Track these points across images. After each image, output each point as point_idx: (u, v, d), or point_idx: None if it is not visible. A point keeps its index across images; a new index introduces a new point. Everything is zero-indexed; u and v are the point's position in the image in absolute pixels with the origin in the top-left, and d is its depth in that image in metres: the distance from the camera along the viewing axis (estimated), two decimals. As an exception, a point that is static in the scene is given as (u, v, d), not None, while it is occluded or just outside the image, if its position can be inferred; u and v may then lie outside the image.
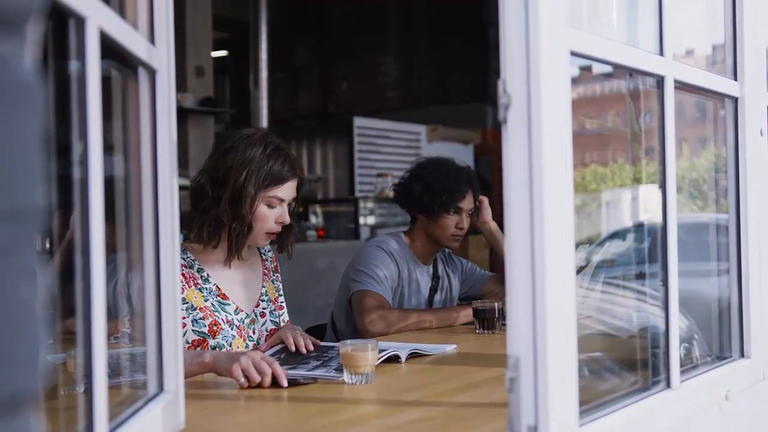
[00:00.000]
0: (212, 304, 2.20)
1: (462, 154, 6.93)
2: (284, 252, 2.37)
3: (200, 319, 2.16)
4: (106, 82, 1.07)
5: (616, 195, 2.05)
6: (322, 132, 8.46)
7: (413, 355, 2.19)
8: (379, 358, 1.98)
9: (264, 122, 7.50)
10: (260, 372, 1.82)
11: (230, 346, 2.19)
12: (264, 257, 2.41)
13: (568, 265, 1.16)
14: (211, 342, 2.16)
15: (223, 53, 9.52)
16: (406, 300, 2.95)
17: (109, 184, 1.05)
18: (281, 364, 1.89)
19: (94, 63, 0.97)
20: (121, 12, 1.20)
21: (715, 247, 1.91)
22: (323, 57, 9.83)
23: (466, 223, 2.94)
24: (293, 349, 2.11)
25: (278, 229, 2.25)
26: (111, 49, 1.10)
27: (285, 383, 1.82)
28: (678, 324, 1.49)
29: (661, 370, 1.48)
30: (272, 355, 2.13)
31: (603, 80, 1.72)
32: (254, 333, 2.29)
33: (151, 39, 1.32)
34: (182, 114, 6.81)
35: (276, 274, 2.44)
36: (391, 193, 4.39)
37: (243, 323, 2.25)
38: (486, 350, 2.40)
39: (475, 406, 1.69)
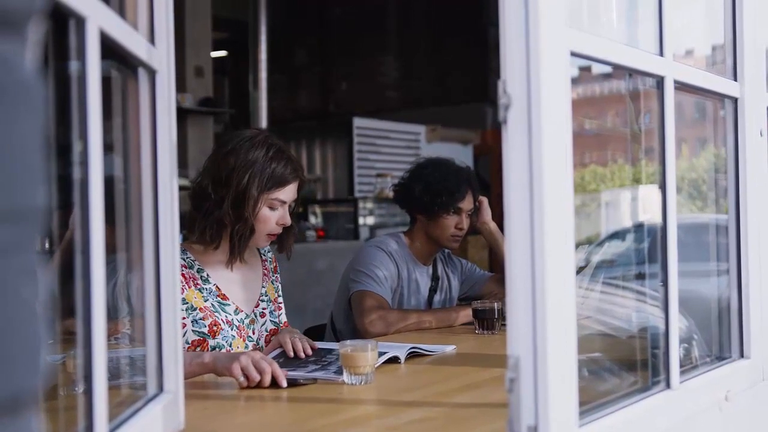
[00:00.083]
0: (212, 304, 2.20)
1: (461, 155, 6.93)
2: (284, 252, 2.37)
3: (200, 319, 2.16)
4: (106, 82, 1.07)
5: (615, 195, 2.05)
6: (321, 132, 8.46)
7: (413, 356, 2.19)
8: (378, 361, 1.98)
9: (263, 122, 7.50)
10: (260, 371, 1.82)
11: (230, 346, 2.19)
12: (264, 258, 2.41)
13: (568, 265, 1.16)
14: (211, 342, 2.16)
15: (222, 53, 9.52)
16: (406, 300, 2.95)
17: (109, 184, 1.05)
18: (280, 367, 1.89)
19: (94, 63, 0.97)
20: (121, 12, 1.20)
21: (715, 248, 1.91)
22: (323, 57, 9.83)
23: (465, 223, 2.94)
24: (291, 354, 2.10)
25: (279, 230, 2.25)
26: (111, 50, 1.10)
27: (284, 384, 1.82)
28: (678, 324, 1.49)
29: (660, 371, 1.48)
30: (272, 358, 2.13)
31: (602, 80, 1.72)
32: (254, 333, 2.29)
33: (151, 39, 1.32)
34: (181, 114, 6.81)
35: (275, 275, 2.44)
36: (390, 194, 4.39)
37: (243, 323, 2.25)
38: (485, 350, 2.40)
39: (475, 407, 1.69)
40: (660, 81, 1.47)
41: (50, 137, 0.66)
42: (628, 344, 1.82)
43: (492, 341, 2.53)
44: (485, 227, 3.07)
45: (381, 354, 2.04)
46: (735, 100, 1.78)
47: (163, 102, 1.35)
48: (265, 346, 2.28)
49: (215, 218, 2.17)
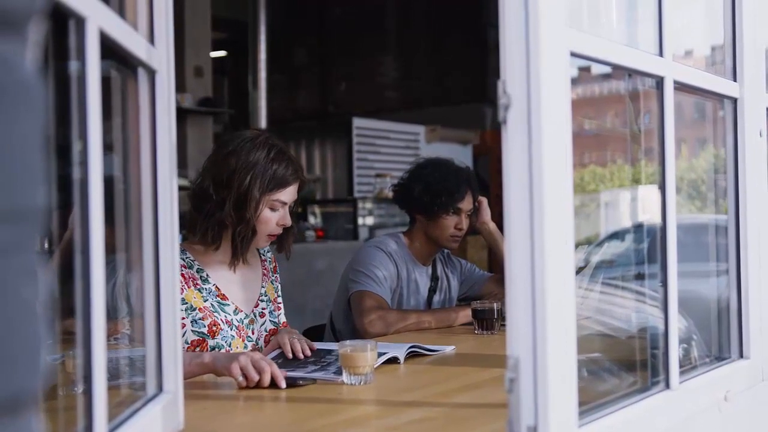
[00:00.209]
0: (211, 304, 2.21)
1: (461, 155, 6.93)
2: (283, 252, 2.37)
3: (199, 319, 2.16)
4: (105, 82, 1.07)
5: (615, 196, 2.05)
6: (321, 132, 8.47)
7: (412, 356, 2.19)
8: (377, 361, 1.98)
9: (263, 123, 7.50)
10: (259, 371, 1.82)
11: (229, 346, 2.19)
12: (263, 258, 2.41)
13: (568, 265, 1.16)
14: (211, 342, 2.16)
15: (222, 53, 9.52)
16: (405, 300, 2.95)
17: (108, 184, 1.05)
18: (280, 368, 1.89)
19: (93, 63, 0.97)
20: (121, 12, 1.20)
21: (714, 248, 1.91)
22: (322, 57, 9.83)
23: (465, 223, 2.94)
24: (290, 355, 2.10)
25: (280, 231, 2.26)
26: (111, 50, 1.10)
27: (283, 384, 1.82)
28: (677, 325, 1.49)
29: (660, 371, 1.48)
30: (271, 358, 2.13)
31: (602, 81, 1.72)
32: (253, 333, 2.29)
33: (151, 39, 1.32)
34: (181, 114, 6.80)
35: (275, 275, 2.45)
36: (390, 194, 4.39)
37: (242, 323, 2.25)
38: (485, 351, 2.40)
39: (475, 407, 1.69)
40: (660, 81, 1.47)
41: (50, 137, 0.66)
42: (628, 344, 1.82)
43: (491, 341, 2.53)
44: (484, 227, 3.07)
45: (380, 354, 2.04)
46: (734, 101, 1.78)
47: (162, 102, 1.35)
48: (265, 346, 2.28)
49: (216, 219, 2.17)
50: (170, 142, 1.36)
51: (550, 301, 1.10)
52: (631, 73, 1.56)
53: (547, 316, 1.10)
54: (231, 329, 2.21)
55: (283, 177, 2.20)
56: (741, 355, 1.77)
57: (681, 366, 1.50)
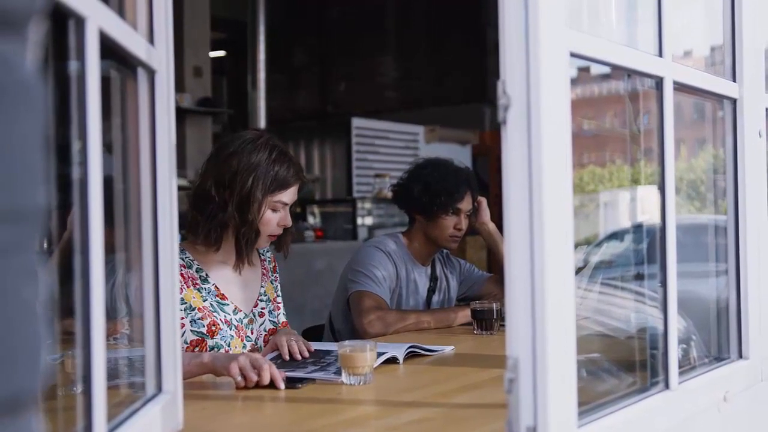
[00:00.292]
0: (211, 304, 2.21)
1: (460, 155, 6.92)
2: (281, 251, 2.38)
3: (199, 319, 2.16)
4: (105, 82, 1.06)
5: (614, 196, 2.05)
6: (320, 132, 8.46)
7: (411, 356, 2.19)
8: (377, 362, 1.98)
9: (262, 123, 7.50)
10: (258, 370, 1.82)
11: (228, 346, 2.19)
12: (263, 257, 2.42)
13: (568, 265, 1.16)
14: (210, 342, 2.16)
15: (221, 53, 9.51)
16: (404, 301, 2.95)
17: (108, 183, 1.05)
18: (279, 368, 1.89)
19: (93, 63, 0.97)
20: (121, 12, 1.19)
21: (714, 249, 1.91)
22: (322, 57, 9.83)
23: (464, 224, 2.94)
24: (287, 357, 2.09)
25: (280, 231, 2.26)
26: (110, 50, 1.10)
27: (282, 386, 1.82)
28: (676, 325, 1.49)
29: (659, 371, 1.48)
30: (270, 359, 2.13)
31: (601, 81, 1.71)
32: (252, 333, 2.29)
33: (151, 39, 1.32)
34: (180, 114, 6.80)
35: (275, 275, 2.45)
36: (389, 194, 4.39)
37: (241, 323, 2.25)
38: (484, 351, 2.40)
39: (474, 407, 1.69)
40: (659, 82, 1.47)
41: (50, 137, 0.66)
42: (627, 345, 1.83)
43: (491, 342, 2.53)
44: (484, 228, 3.07)
45: (379, 354, 2.04)
46: (734, 101, 1.78)
47: (162, 102, 1.35)
48: (264, 346, 2.28)
49: (219, 221, 2.18)
50: (170, 142, 1.36)
51: (550, 301, 1.10)
52: (630, 73, 1.56)
53: (547, 317, 1.10)
54: (230, 329, 2.21)
55: (284, 178, 2.21)
56: (740, 356, 1.77)
57: (680, 366, 1.51)
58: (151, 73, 1.32)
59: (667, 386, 1.47)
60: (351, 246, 6.09)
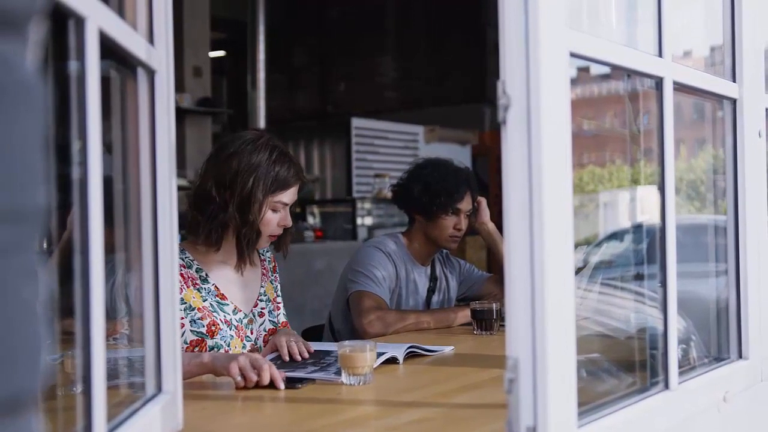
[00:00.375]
0: (211, 304, 2.21)
1: (459, 155, 6.92)
2: (280, 251, 2.38)
3: (198, 319, 2.16)
4: (105, 82, 1.06)
5: (613, 196, 2.05)
6: (320, 132, 8.46)
7: (411, 356, 2.19)
8: (377, 362, 1.98)
9: (262, 123, 7.49)
10: (257, 370, 1.81)
11: (228, 346, 2.19)
12: (263, 257, 2.42)
13: (568, 266, 1.16)
14: (210, 342, 2.16)
15: (220, 53, 9.51)
16: (404, 301, 2.95)
17: (107, 184, 1.05)
18: (280, 368, 1.89)
19: (93, 63, 0.97)
20: (120, 12, 1.19)
21: (713, 249, 1.91)
22: (321, 57, 9.83)
23: (464, 224, 2.94)
24: (287, 358, 2.09)
25: (280, 231, 2.27)
26: (110, 50, 1.10)
27: (282, 386, 1.82)
28: (676, 325, 1.49)
29: (659, 372, 1.48)
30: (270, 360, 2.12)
31: (600, 81, 1.72)
32: (252, 333, 2.29)
33: (150, 39, 1.32)
34: (180, 114, 6.80)
35: (275, 275, 2.45)
36: (388, 194, 4.39)
37: (241, 323, 2.25)
38: (484, 351, 2.40)
39: (474, 407, 1.69)
40: (659, 82, 1.47)
41: (50, 137, 0.66)
42: (627, 345, 1.83)
43: (490, 342, 2.53)
44: (483, 228, 3.07)
45: (379, 354, 2.04)
46: (734, 101, 1.78)
47: (162, 102, 1.34)
48: (264, 346, 2.28)
49: (220, 221, 2.18)
50: (169, 142, 1.36)
51: (550, 301, 1.10)
52: (630, 73, 1.56)
53: (547, 317, 1.10)
54: (230, 329, 2.21)
55: (285, 179, 2.21)
56: (740, 356, 1.77)
57: (680, 366, 1.51)
58: (150, 73, 1.32)
59: (666, 386, 1.47)
60: (351, 246, 6.09)
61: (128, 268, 1.39)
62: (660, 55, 1.47)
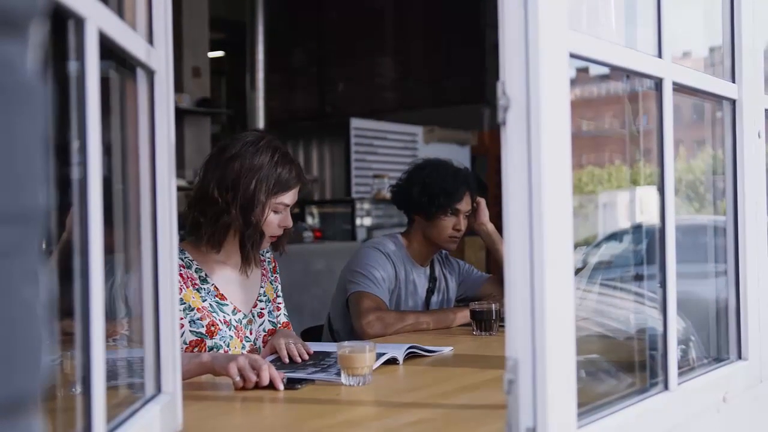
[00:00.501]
0: (210, 304, 2.20)
1: (458, 156, 6.92)
2: (278, 250, 2.38)
3: (198, 319, 2.16)
4: (104, 82, 1.06)
5: (612, 197, 2.05)
6: (318, 133, 8.45)
7: (411, 357, 2.19)
8: (376, 363, 1.98)
9: (261, 123, 7.49)
10: (257, 371, 1.81)
11: (228, 346, 2.19)
12: (262, 258, 2.42)
13: (568, 266, 1.16)
14: (209, 342, 2.16)
15: (219, 54, 9.51)
16: (403, 301, 2.95)
17: (107, 184, 1.05)
18: (279, 370, 1.89)
19: (93, 63, 0.97)
20: (120, 13, 1.19)
21: (713, 249, 1.91)
22: (320, 58, 9.83)
23: (463, 224, 2.94)
24: (287, 360, 2.09)
25: (281, 232, 2.27)
26: (110, 50, 1.10)
27: (281, 387, 1.82)
28: (676, 326, 1.49)
29: (658, 372, 1.49)
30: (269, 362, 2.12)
31: (599, 82, 1.72)
32: (251, 333, 2.29)
33: (150, 40, 1.32)
34: (179, 114, 6.79)
35: (275, 275, 2.45)
36: (388, 195, 4.38)
37: (240, 324, 2.25)
38: (483, 352, 2.40)
39: (474, 408, 1.69)
40: (659, 83, 1.47)
41: (50, 138, 0.66)
42: (626, 346, 1.83)
43: (490, 343, 2.53)
44: (483, 228, 3.07)
45: (380, 355, 2.03)
46: (733, 102, 1.78)
47: (161, 102, 1.34)
48: (263, 347, 2.27)
49: (222, 224, 2.18)
50: (169, 142, 1.36)
51: (550, 302, 1.10)
52: (630, 74, 1.57)
53: (546, 318, 1.10)
54: (229, 329, 2.21)
55: (287, 180, 2.22)
56: (739, 356, 1.77)
57: (679, 367, 1.51)
58: (150, 74, 1.32)
59: (666, 387, 1.47)
60: (350, 247, 6.08)
61: (128, 268, 1.39)
62: (659, 55, 1.47)
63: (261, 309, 2.34)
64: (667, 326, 1.47)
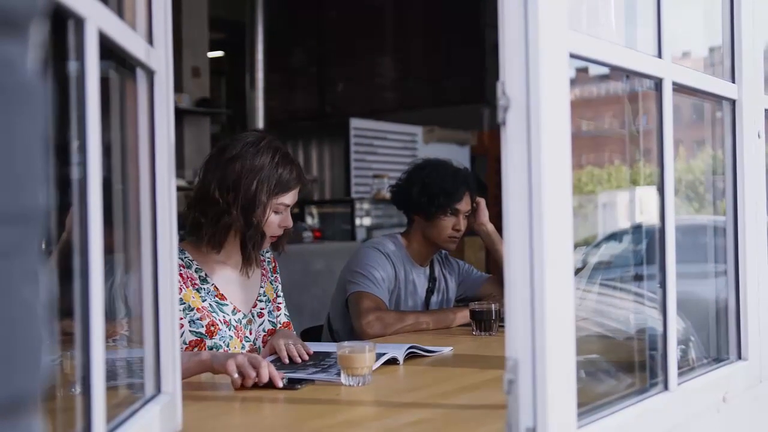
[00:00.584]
0: (210, 304, 2.20)
1: (458, 156, 6.92)
2: (277, 250, 2.38)
3: (197, 319, 2.16)
4: (104, 82, 1.06)
5: (612, 197, 2.05)
6: (318, 133, 8.45)
7: (411, 357, 2.19)
8: (377, 363, 1.98)
9: (260, 123, 7.48)
10: (256, 367, 1.81)
11: (227, 346, 2.19)
12: (262, 258, 2.42)
13: (568, 267, 1.16)
14: (209, 342, 2.16)
15: (219, 54, 9.51)
16: (403, 302, 2.95)
17: (106, 184, 1.05)
18: (279, 370, 1.89)
19: (92, 64, 0.97)
20: (120, 13, 1.19)
21: (713, 249, 1.91)
22: (320, 58, 9.83)
23: (463, 224, 2.94)
24: (287, 361, 2.08)
25: (281, 232, 2.27)
26: (110, 50, 1.10)
27: (280, 384, 1.81)
28: (675, 326, 1.49)
29: (658, 372, 1.49)
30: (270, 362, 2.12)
31: (599, 82, 1.72)
32: (251, 333, 2.29)
33: (150, 40, 1.32)
34: (178, 114, 6.75)
35: (275, 275, 2.45)
36: (387, 195, 4.38)
37: (240, 323, 2.25)
38: (483, 352, 2.40)
39: (473, 408, 1.69)
40: (659, 83, 1.47)
41: (50, 138, 0.66)
42: (626, 346, 1.83)
43: (489, 343, 2.53)
44: (482, 228, 3.07)
45: (380, 355, 2.03)
46: (733, 102, 1.78)
47: (161, 103, 1.34)
48: (263, 347, 2.27)
49: (224, 224, 2.18)
50: (169, 142, 1.36)
51: (550, 302, 1.10)
52: (630, 74, 1.57)
53: (546, 318, 1.10)
54: (229, 329, 2.21)
55: (288, 181, 2.22)
56: (739, 357, 1.77)
57: (679, 367, 1.51)
58: (150, 74, 1.32)
59: (666, 387, 1.47)
60: (349, 247, 6.08)
61: (127, 268, 1.39)
62: (659, 56, 1.47)
63: (261, 309, 2.34)
64: (667, 326, 1.47)
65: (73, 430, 1.01)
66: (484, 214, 3.06)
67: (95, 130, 0.97)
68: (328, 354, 2.15)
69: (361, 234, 7.15)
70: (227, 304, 2.24)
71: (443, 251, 3.11)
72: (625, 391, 1.47)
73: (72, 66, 0.96)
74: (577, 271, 1.86)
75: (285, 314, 2.45)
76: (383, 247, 2.93)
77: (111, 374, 1.17)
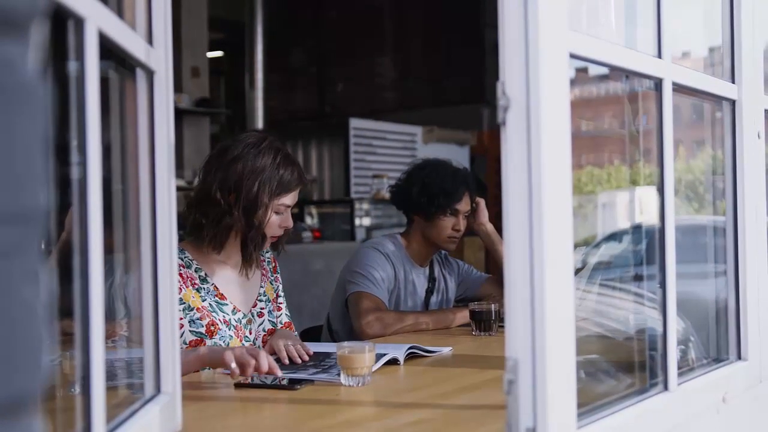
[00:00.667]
0: (210, 304, 2.20)
1: (458, 156, 6.93)
2: (277, 249, 2.38)
3: (197, 319, 2.16)
4: (104, 82, 1.06)
5: (612, 197, 2.05)
6: (318, 133, 8.45)
7: (411, 357, 2.19)
8: (377, 363, 1.98)
9: (260, 123, 7.48)
10: (254, 356, 1.81)
11: (227, 346, 2.19)
12: (262, 258, 2.42)
13: (567, 267, 1.16)
14: (209, 342, 2.16)
15: (219, 54, 9.51)
16: (403, 302, 2.95)
17: (106, 184, 1.05)
18: (281, 371, 1.89)
19: (92, 64, 0.97)
20: (119, 13, 1.19)
21: (712, 250, 1.91)
22: (319, 58, 9.83)
23: (462, 224, 2.94)
24: (287, 362, 2.08)
25: (282, 233, 2.27)
26: (109, 50, 1.10)
27: (279, 373, 1.81)
28: (675, 326, 1.49)
29: (658, 373, 1.49)
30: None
31: (599, 82, 1.72)
32: (251, 333, 2.29)
33: (150, 40, 1.32)
34: (178, 114, 6.77)
35: (275, 275, 2.45)
36: (387, 195, 4.38)
37: (240, 323, 2.25)
38: (483, 352, 2.40)
39: (473, 409, 1.69)
40: (659, 83, 1.47)
41: (50, 138, 0.66)
42: (626, 346, 1.83)
43: (489, 343, 2.53)
44: (482, 228, 3.07)
45: (380, 355, 2.03)
46: (733, 103, 1.78)
47: (161, 103, 1.34)
48: (263, 346, 2.27)
49: (225, 225, 2.18)
50: (168, 142, 1.36)
51: (549, 302, 1.10)
52: (630, 74, 1.57)
53: (546, 318, 1.10)
54: (229, 329, 2.21)
55: (289, 182, 2.23)
56: (739, 357, 1.77)
57: (679, 368, 1.51)
58: (150, 74, 1.32)
59: (666, 387, 1.47)
60: (349, 247, 6.08)
61: (127, 268, 1.39)
62: (659, 56, 1.47)
63: (261, 309, 2.34)
64: (667, 326, 1.47)
65: (73, 430, 1.01)
66: (484, 214, 3.06)
67: (95, 130, 0.97)
68: (328, 354, 2.15)
69: (360, 234, 7.15)
70: (227, 304, 2.24)
71: (443, 251, 3.11)
72: (624, 392, 1.47)
73: (72, 66, 0.96)
74: (577, 271, 1.86)
75: (286, 314, 2.45)
76: (383, 247, 2.93)
77: (111, 374, 1.17)
